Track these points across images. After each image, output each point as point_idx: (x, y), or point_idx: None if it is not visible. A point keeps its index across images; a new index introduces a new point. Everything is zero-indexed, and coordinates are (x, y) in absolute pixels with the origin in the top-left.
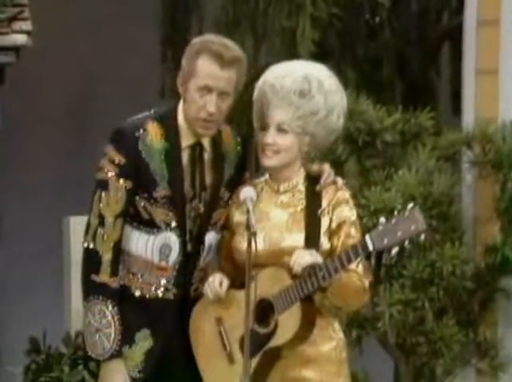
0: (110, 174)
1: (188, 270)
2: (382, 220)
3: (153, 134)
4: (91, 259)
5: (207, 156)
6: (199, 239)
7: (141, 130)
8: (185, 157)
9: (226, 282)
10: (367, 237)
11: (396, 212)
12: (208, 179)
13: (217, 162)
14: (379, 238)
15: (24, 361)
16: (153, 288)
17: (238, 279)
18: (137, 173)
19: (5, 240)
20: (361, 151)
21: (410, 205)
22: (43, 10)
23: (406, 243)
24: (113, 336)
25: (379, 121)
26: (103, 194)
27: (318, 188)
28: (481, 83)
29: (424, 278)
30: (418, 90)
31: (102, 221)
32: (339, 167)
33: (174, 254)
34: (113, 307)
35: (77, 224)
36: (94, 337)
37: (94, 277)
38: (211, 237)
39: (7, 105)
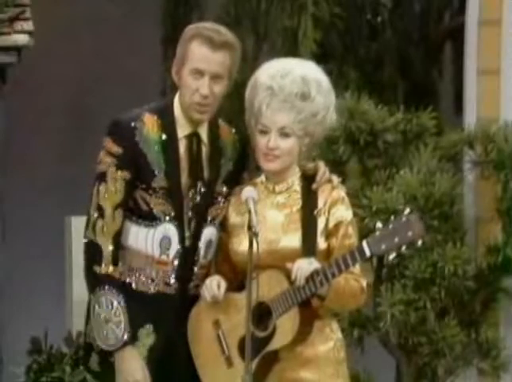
0: (107, 166)
1: (187, 264)
2: (379, 225)
3: (149, 126)
4: (93, 252)
5: (204, 149)
6: (197, 233)
7: (138, 122)
8: (182, 147)
9: (223, 285)
10: (364, 243)
11: (393, 218)
12: (206, 172)
13: (214, 156)
14: (376, 243)
15: (25, 361)
16: (155, 283)
17: (236, 281)
18: (134, 163)
19: (8, 240)
20: (362, 151)
21: (407, 210)
22: (44, 10)
23: (403, 248)
24: (123, 323)
25: (381, 121)
26: (102, 186)
27: (314, 186)
28: (483, 83)
29: (426, 278)
30: (420, 90)
31: (101, 213)
32: (340, 167)
33: (174, 247)
34: (118, 295)
35: (79, 224)
36: (104, 328)
37: (96, 268)
38: (209, 233)
39: (9, 105)
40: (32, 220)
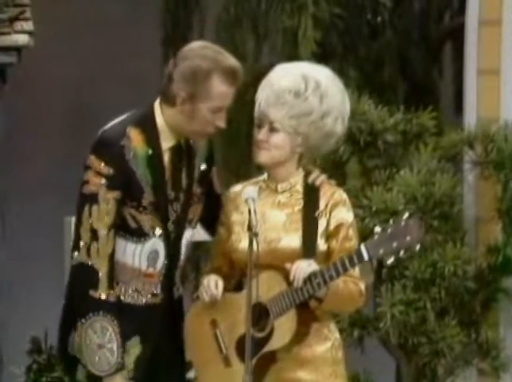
0: (98, 187)
1: (171, 271)
2: (378, 229)
3: (135, 141)
4: (88, 276)
5: (182, 155)
6: (179, 240)
7: (125, 139)
8: (166, 159)
9: (221, 284)
10: (362, 247)
11: (391, 221)
12: (184, 178)
13: (190, 159)
14: (375, 247)
15: (26, 361)
16: (141, 295)
17: (233, 277)
18: (125, 182)
19: (8, 240)
20: (362, 151)
21: (406, 214)
22: (44, 10)
23: (402, 252)
24: (116, 350)
25: (381, 121)
26: (93, 208)
27: (309, 180)
28: (483, 83)
29: (426, 278)
30: (420, 90)
31: (95, 235)
32: (340, 167)
33: (161, 259)
34: (113, 321)
35: None
36: (96, 354)
37: (92, 293)
38: (188, 235)
39: (9, 105)
40: (32, 220)
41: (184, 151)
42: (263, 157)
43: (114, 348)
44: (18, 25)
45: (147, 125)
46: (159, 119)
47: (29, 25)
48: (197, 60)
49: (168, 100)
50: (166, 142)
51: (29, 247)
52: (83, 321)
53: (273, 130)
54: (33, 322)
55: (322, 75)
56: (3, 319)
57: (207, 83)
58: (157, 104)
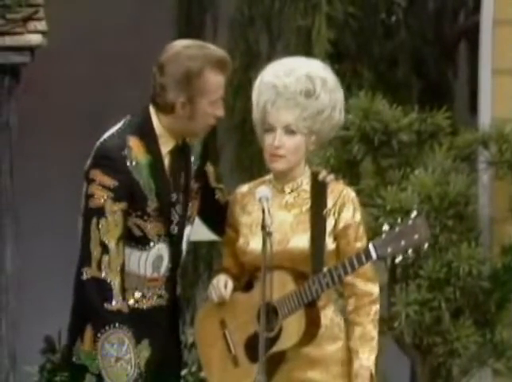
0: (104, 200)
1: (174, 271)
2: (386, 228)
3: (136, 150)
4: (101, 290)
5: (181, 155)
6: (181, 240)
7: (126, 149)
8: (167, 163)
9: (230, 285)
10: (371, 245)
11: (399, 221)
12: (182, 178)
13: (187, 158)
14: (383, 246)
15: (39, 360)
16: (147, 299)
17: (243, 276)
18: (130, 193)
19: (21, 240)
20: (377, 151)
21: (414, 214)
22: (57, 10)
23: (409, 251)
24: (133, 360)
25: (395, 121)
26: (101, 221)
27: (320, 177)
28: (497, 82)
29: (441, 278)
30: (434, 89)
31: (105, 249)
32: (354, 167)
33: (165, 263)
34: (128, 331)
35: None
36: (115, 367)
37: (107, 306)
38: (188, 232)
39: (22, 104)
40: (44, 220)
41: (181, 151)
42: (281, 164)
43: (132, 359)
44: (32, 25)
45: (145, 132)
46: (156, 125)
47: (42, 25)
48: (186, 62)
49: (165, 109)
50: (165, 147)
51: (41, 246)
52: (99, 335)
53: (288, 133)
54: (46, 321)
55: (322, 70)
56: (16, 318)
57: (201, 81)
58: (152, 110)
